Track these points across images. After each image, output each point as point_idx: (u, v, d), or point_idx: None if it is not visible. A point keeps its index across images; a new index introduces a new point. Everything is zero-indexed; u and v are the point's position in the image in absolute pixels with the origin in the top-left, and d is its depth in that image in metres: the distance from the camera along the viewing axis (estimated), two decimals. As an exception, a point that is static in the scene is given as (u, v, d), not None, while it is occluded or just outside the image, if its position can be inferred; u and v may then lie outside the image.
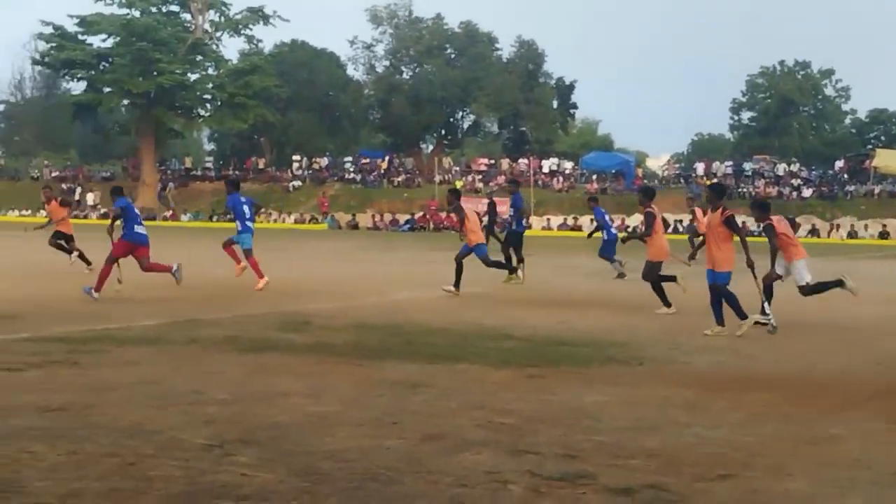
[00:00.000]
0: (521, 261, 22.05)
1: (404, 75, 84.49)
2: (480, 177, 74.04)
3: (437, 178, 71.80)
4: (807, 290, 15.49)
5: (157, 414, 8.05)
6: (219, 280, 20.57)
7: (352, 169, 78.32)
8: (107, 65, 75.42)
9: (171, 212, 71.38)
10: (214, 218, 68.45)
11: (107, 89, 75.88)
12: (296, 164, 79.60)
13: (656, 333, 13.66)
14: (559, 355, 11.61)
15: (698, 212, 27.34)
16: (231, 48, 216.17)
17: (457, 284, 18.59)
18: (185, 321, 14.18)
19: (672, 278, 16.84)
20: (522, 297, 17.75)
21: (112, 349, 11.39)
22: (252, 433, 7.41)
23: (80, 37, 76.92)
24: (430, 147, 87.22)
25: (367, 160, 79.13)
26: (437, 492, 6.07)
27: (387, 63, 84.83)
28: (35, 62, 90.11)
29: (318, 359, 11.03)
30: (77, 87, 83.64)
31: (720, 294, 13.90)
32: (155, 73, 73.30)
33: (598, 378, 10.22)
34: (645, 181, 67.51)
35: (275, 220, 69.14)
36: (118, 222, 18.19)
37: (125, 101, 78.57)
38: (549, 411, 8.47)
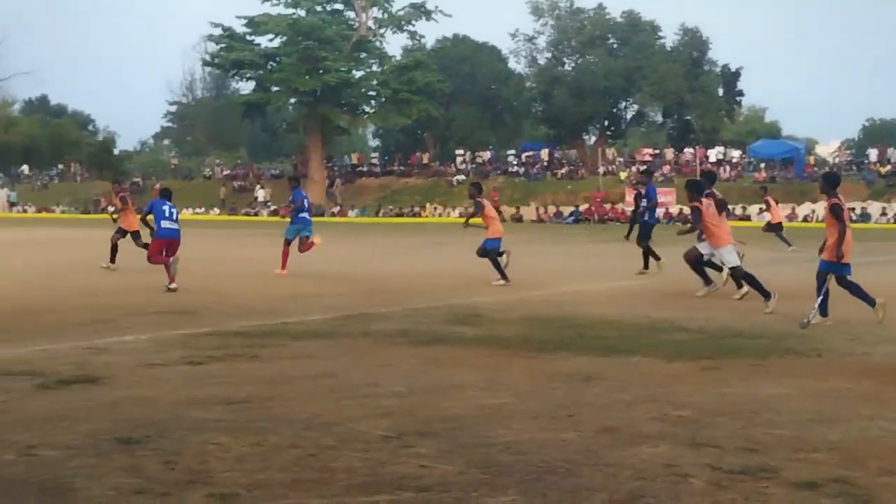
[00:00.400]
0: (652, 254, 21.30)
1: (566, 67, 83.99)
2: (645, 167, 73.12)
3: (601, 170, 71.28)
4: (739, 274, 16.11)
5: (335, 406, 8.19)
6: (386, 275, 20.84)
7: (515, 162, 78.28)
8: (274, 64, 76.91)
9: (338, 207, 72.51)
10: (381, 213, 69.28)
11: (275, 88, 77.37)
12: (459, 159, 79.93)
13: (834, 324, 13.29)
14: (734, 347, 11.42)
15: (771, 202, 27.54)
16: (394, 45, 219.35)
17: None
18: (358, 315, 14.40)
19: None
20: (690, 290, 17.48)
21: (289, 343, 11.64)
22: (429, 425, 7.47)
23: (248, 37, 78.60)
24: (593, 138, 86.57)
25: (531, 153, 79.00)
26: (616, 485, 6.02)
27: (548, 55, 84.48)
28: (205, 63, 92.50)
29: (491, 351, 11.07)
30: (246, 86, 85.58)
31: (825, 282, 13.56)
32: (321, 71, 74.46)
33: (776, 370, 10.01)
34: (815, 168, 65.84)
35: (439, 215, 69.60)
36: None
37: (292, 100, 79.96)
38: (726, 404, 8.33)
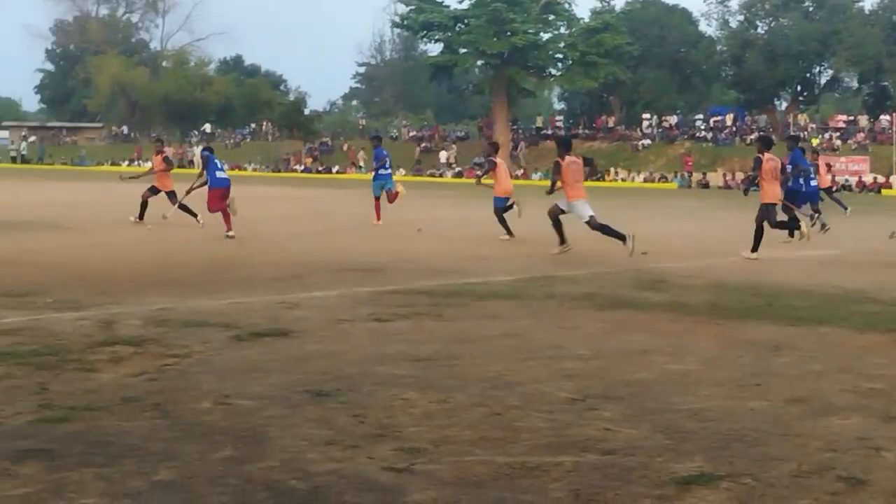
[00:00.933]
0: (795, 219, 20.49)
1: (759, 30, 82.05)
2: (838, 134, 71.02)
3: (793, 136, 69.43)
4: (594, 225, 17.63)
5: (519, 366, 8.24)
6: (569, 238, 20.74)
7: (702, 127, 76.96)
8: (462, 26, 77.21)
9: (522, 171, 72.55)
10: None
11: (462, 50, 77.70)
12: (645, 123, 79.03)
13: None
14: (931, 320, 11.03)
15: (821, 165, 28.72)
16: (583, 6, 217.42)
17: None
18: (542, 277, 14.43)
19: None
20: (882, 261, 16.94)
21: (473, 303, 11.74)
22: (614, 389, 7.46)
23: (437, -1, 79.18)
24: (785, 104, 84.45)
25: (719, 118, 77.52)
26: (805, 455, 5.90)
27: (741, 17, 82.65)
28: (395, 25, 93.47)
29: (676, 317, 10.96)
30: (434, 48, 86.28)
31: None
32: (509, 33, 74.44)
33: (975, 346, 9.64)
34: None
35: (622, 179, 68.97)
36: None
37: (479, 62, 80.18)
38: (922, 378, 8.07)
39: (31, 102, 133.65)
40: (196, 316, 10.30)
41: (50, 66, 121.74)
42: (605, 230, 17.39)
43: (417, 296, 12.12)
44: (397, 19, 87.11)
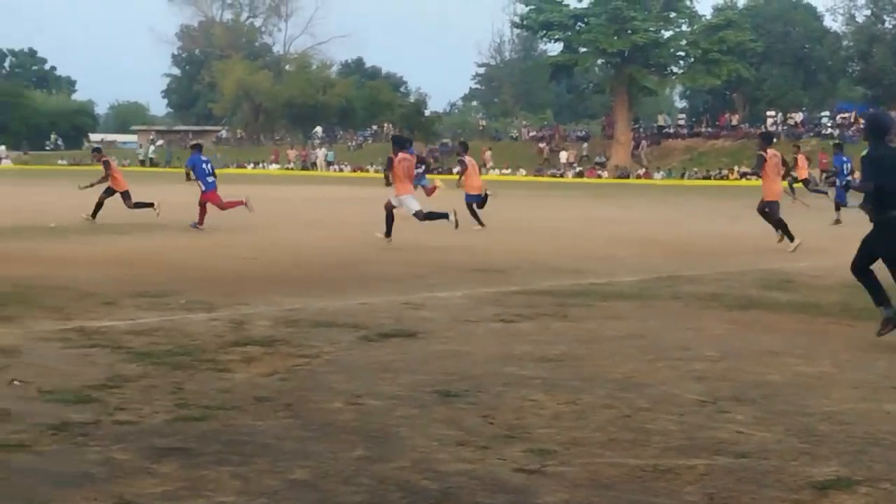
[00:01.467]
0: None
1: (887, 24, 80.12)
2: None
3: (923, 132, 67.62)
4: (420, 217, 18.82)
5: (647, 368, 8.19)
6: (694, 237, 20.58)
7: (829, 124, 75.38)
8: (583, 25, 76.79)
9: (643, 170, 71.92)
10: (686, 175, 68.20)
11: (582, 49, 77.27)
12: (770, 120, 77.64)
13: None
14: None
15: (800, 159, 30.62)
16: (704, 3, 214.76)
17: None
18: (667, 277, 14.29)
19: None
20: None
21: (597, 303, 11.69)
22: (744, 391, 7.36)
23: (557, -2, 78.87)
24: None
25: (846, 114, 75.84)
26: (947, 461, 5.76)
27: (867, 12, 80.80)
28: (514, 25, 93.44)
29: (806, 318, 10.78)
30: (554, 48, 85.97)
31: None
32: (629, 31, 73.84)
33: None
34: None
35: (747, 178, 67.76)
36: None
37: (600, 61, 79.66)
38: None
39: (158, 107, 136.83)
40: (324, 316, 10.44)
41: (176, 71, 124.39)
42: (431, 216, 19.01)
43: (541, 296, 12.10)
44: (517, 19, 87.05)
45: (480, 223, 22.47)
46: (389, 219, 18.73)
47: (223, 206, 22.19)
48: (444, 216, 18.95)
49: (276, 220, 23.18)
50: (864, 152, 9.65)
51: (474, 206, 23.27)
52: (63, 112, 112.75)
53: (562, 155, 77.86)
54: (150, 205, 22.80)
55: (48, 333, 9.25)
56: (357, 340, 9.20)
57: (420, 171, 26.53)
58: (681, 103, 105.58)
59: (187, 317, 10.35)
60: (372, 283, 13.43)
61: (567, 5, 78.32)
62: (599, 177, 70.60)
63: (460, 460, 5.68)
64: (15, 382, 7.32)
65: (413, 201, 19.04)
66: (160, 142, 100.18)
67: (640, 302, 11.88)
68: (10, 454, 5.65)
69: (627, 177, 68.91)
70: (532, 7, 78.50)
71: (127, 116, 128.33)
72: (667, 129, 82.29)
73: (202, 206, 21.77)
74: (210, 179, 22.17)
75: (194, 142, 24.14)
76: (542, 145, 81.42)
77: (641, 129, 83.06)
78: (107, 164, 23.64)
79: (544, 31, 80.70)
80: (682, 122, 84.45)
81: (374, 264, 15.55)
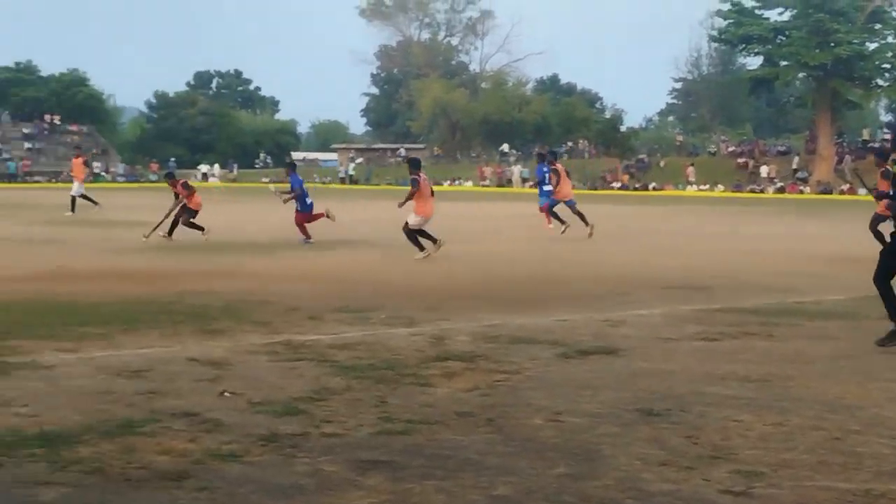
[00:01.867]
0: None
1: None
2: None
3: None
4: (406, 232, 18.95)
5: (858, 389, 7.92)
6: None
7: None
8: (783, 38, 75.05)
9: (847, 185, 69.73)
10: None
11: (783, 63, 75.52)
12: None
13: None
14: None
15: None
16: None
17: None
18: (876, 296, 13.76)
19: None
20: None
21: (805, 322, 11.39)
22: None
23: (756, 11, 77.22)
24: None
25: None
26: None
27: None
28: (713, 39, 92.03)
29: None
30: (753, 61, 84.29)
31: None
32: (832, 44, 71.82)
33: None
34: None
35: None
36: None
37: (801, 74, 77.74)
38: None
39: (357, 125, 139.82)
40: (523, 333, 10.45)
41: (375, 90, 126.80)
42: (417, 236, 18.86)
43: (745, 315, 11.85)
44: (715, 33, 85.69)
45: (421, 248, 19.73)
46: (416, 235, 18.95)
47: (308, 221, 22.63)
48: (420, 247, 18.83)
49: (473, 237, 23.35)
50: None
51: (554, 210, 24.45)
52: (267, 131, 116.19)
53: (762, 169, 76.18)
54: (201, 228, 22.80)
55: (256, 347, 9.53)
56: (556, 357, 9.18)
57: (548, 188, 26.12)
58: (886, 117, 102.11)
59: (389, 331, 10.51)
60: (570, 299, 13.40)
61: (767, 19, 76.68)
62: (801, 192, 68.83)
63: (665, 480, 5.60)
64: (226, 394, 7.56)
65: (415, 217, 19.09)
66: (359, 160, 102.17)
67: (849, 321, 11.53)
68: (223, 464, 5.83)
69: (830, 192, 66.95)
70: (731, 21, 77.14)
71: (328, 135, 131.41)
72: (872, 144, 79.63)
73: (301, 225, 22.40)
74: (308, 201, 22.70)
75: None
76: (741, 160, 79.82)
77: (845, 144, 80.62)
78: (185, 186, 23.91)
79: (743, 45, 79.20)
80: (887, 137, 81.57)
81: (573, 281, 15.50)
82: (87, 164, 34.42)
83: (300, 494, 5.32)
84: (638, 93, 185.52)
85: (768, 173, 75.21)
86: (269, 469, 5.75)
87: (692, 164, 76.25)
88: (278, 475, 5.64)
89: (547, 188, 25.49)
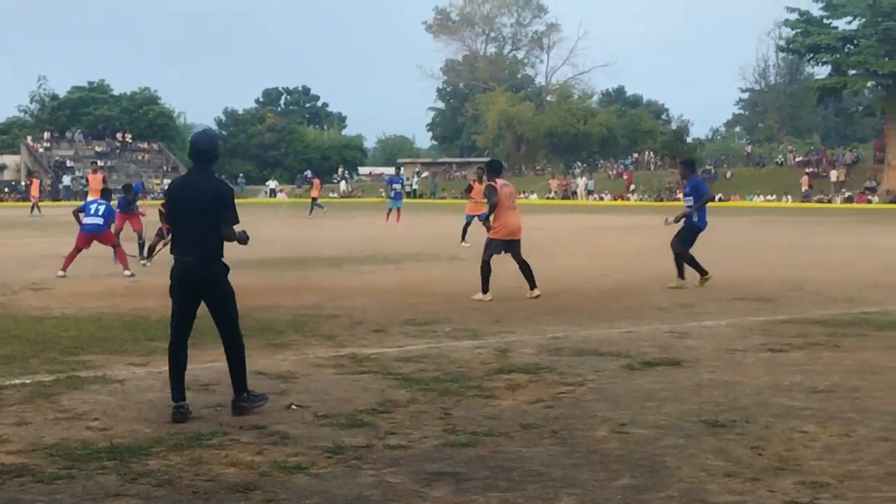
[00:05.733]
0: None
1: None
2: None
3: None
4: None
5: (926, 401, 7.84)
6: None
7: None
8: (852, 47, 74.21)
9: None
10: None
11: (851, 72, 74.69)
12: None
13: None
14: None
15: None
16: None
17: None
18: (946, 307, 13.66)
19: None
20: None
21: (872, 333, 11.28)
22: None
23: (824, 20, 76.45)
24: None
25: None
26: None
27: None
28: (780, 49, 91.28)
29: None
30: (821, 70, 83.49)
31: None
32: (902, 52, 70.94)
33: None
34: None
35: None
36: None
37: (870, 83, 76.82)
38: None
39: (423, 139, 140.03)
40: (587, 344, 10.46)
41: (441, 105, 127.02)
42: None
43: (812, 325, 11.76)
44: (782, 43, 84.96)
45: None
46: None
47: None
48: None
49: (539, 250, 23.33)
50: None
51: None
52: (334, 146, 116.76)
53: (832, 174, 75.30)
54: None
55: (322, 360, 9.63)
56: (621, 369, 9.18)
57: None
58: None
59: (453, 344, 10.56)
60: (635, 311, 13.37)
61: (835, 27, 75.88)
62: (869, 202, 67.94)
63: (730, 492, 5.60)
64: (293, 407, 7.65)
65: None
66: (425, 174, 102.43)
67: (919, 332, 11.40)
68: (290, 475, 5.91)
69: (892, 202, 66.07)
70: (798, 30, 76.44)
71: (394, 150, 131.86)
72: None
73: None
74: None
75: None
76: (808, 170, 78.98)
77: (917, 153, 79.39)
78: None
79: (811, 55, 78.40)
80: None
81: (638, 293, 15.44)
82: (105, 180, 34.67)
83: (365, 505, 5.39)
84: (704, 104, 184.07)
85: (837, 177, 74.31)
86: (334, 481, 5.82)
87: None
88: (343, 487, 5.71)
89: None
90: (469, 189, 26.78)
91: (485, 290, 14.64)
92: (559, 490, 5.63)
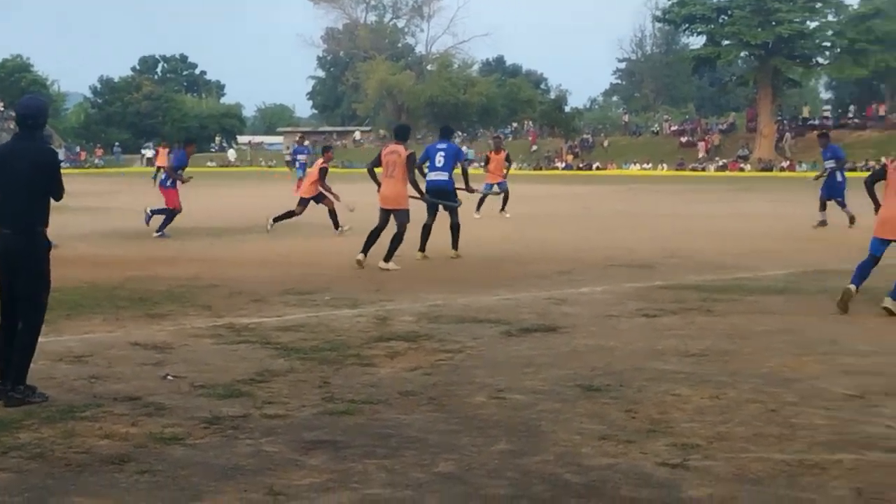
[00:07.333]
0: None
1: None
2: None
3: None
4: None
5: (794, 362, 8.07)
6: (843, 230, 20.10)
7: (983, 112, 72.85)
8: (726, 17, 75.57)
9: (787, 162, 70.47)
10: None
11: (725, 42, 76.07)
12: (919, 110, 75.41)
13: None
14: None
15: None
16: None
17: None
18: (814, 271, 14.05)
19: None
20: None
21: (743, 298, 11.54)
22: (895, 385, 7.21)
23: (700, -9, 77.78)
24: None
25: None
26: None
27: None
28: (656, 19, 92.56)
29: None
30: (696, 41, 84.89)
31: None
32: (774, 22, 72.38)
33: None
34: None
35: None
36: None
37: (743, 53, 78.40)
38: None
39: (303, 108, 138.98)
40: (466, 312, 10.52)
41: (321, 73, 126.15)
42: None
43: (686, 291, 12.00)
44: (659, 13, 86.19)
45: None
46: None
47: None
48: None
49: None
50: None
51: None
52: (212, 115, 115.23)
53: (700, 145, 76.83)
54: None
55: (200, 330, 9.52)
56: (499, 335, 9.26)
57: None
58: (826, 94, 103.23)
59: (333, 313, 10.54)
60: (516, 279, 13.46)
61: (710, -2, 77.21)
62: (742, 170, 69.46)
63: (604, 454, 5.69)
64: (169, 377, 7.56)
65: None
66: (306, 142, 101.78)
67: (786, 296, 11.71)
68: (166, 447, 5.85)
69: (771, 170, 67.66)
70: (674, 1, 77.60)
71: (273, 118, 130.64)
72: (811, 121, 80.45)
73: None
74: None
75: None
76: (683, 139, 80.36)
77: (785, 122, 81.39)
78: None
79: (687, 25, 79.69)
80: (827, 114, 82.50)
81: (517, 261, 15.56)
82: None
83: (241, 475, 5.35)
84: (582, 74, 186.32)
85: (705, 147, 75.83)
86: (210, 451, 5.77)
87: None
88: (220, 457, 5.66)
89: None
90: (486, 161, 26.88)
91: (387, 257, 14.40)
92: (437, 456, 5.66)
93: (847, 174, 22.80)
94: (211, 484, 5.23)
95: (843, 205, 21.34)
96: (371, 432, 6.13)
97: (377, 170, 15.01)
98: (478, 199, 24.34)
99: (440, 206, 15.92)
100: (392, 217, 14.64)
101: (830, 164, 22.22)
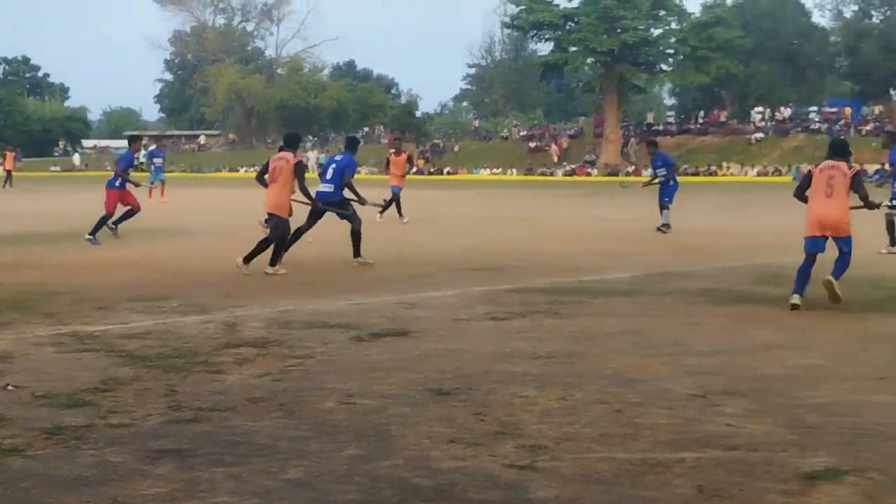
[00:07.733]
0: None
1: (874, 19, 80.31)
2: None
3: (912, 126, 67.66)
4: None
5: (639, 363, 8.23)
6: (685, 234, 20.62)
7: (816, 119, 75.50)
8: (573, 24, 76.89)
9: (632, 167, 71.96)
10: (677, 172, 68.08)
11: (572, 48, 77.36)
12: (758, 116, 77.83)
13: None
14: None
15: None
16: (693, 1, 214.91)
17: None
18: (658, 274, 14.36)
19: None
20: None
21: (589, 300, 11.73)
22: (736, 384, 7.41)
23: (548, -1, 78.95)
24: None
25: (834, 109, 75.93)
26: (936, 450, 5.81)
27: (855, 8, 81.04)
28: (505, 25, 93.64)
29: (797, 312, 10.84)
30: (544, 47, 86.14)
31: None
32: (619, 30, 73.92)
33: None
34: None
35: (733, 174, 67.96)
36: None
37: (590, 60, 79.79)
38: None
39: (150, 112, 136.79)
40: (317, 317, 10.47)
41: (169, 76, 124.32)
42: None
43: (534, 294, 12.14)
44: (507, 20, 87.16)
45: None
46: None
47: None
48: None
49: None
50: None
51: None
52: (56, 118, 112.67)
53: (553, 149, 77.96)
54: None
55: (42, 338, 9.28)
56: (350, 340, 9.24)
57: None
58: (670, 100, 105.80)
59: (180, 320, 10.37)
60: (367, 283, 13.45)
61: (557, 5, 78.39)
62: (589, 175, 70.69)
63: (452, 457, 5.72)
64: (9, 387, 7.34)
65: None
66: (152, 146, 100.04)
67: (632, 298, 11.94)
68: (5, 458, 5.68)
69: (617, 174, 68.98)
70: (523, 7, 78.57)
71: (119, 122, 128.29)
72: (656, 127, 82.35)
73: None
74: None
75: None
76: (532, 144, 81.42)
77: (631, 127, 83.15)
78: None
79: (535, 31, 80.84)
80: (671, 120, 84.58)
81: (371, 266, 15.53)
82: None
83: (84, 486, 5.23)
84: (433, 79, 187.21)
85: (556, 152, 76.98)
86: (52, 462, 5.63)
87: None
88: (62, 468, 5.52)
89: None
90: (387, 164, 26.84)
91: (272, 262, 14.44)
92: (285, 462, 5.62)
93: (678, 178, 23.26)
94: (52, 496, 5.10)
95: (667, 206, 21.66)
96: (219, 440, 6.05)
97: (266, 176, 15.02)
98: (395, 204, 24.50)
99: (324, 217, 15.91)
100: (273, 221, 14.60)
101: (662, 171, 22.57)
